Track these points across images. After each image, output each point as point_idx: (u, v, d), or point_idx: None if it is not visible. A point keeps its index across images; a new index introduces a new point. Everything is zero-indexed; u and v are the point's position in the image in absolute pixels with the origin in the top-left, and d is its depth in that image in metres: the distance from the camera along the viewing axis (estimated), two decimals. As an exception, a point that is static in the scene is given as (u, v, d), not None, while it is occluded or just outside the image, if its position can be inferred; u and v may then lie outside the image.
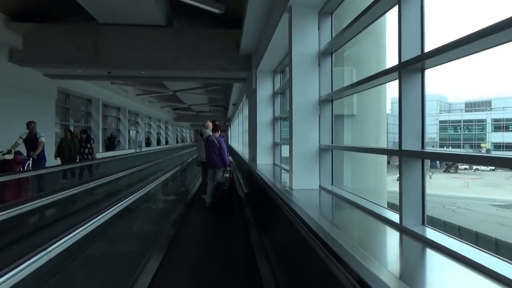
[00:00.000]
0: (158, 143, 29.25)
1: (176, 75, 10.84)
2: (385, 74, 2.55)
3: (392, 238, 2.26)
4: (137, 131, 23.37)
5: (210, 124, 7.81)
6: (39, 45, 8.86)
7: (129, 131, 21.63)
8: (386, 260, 1.94)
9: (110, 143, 17.59)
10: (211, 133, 7.53)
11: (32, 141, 8.24)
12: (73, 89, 13.42)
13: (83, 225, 2.80)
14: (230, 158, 8.08)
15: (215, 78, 11.17)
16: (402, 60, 2.23)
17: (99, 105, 16.03)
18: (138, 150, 20.69)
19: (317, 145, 3.98)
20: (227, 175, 7.43)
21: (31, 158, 8.03)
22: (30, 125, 8.33)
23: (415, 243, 2.00)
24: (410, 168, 2.20)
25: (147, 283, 3.37)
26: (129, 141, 21.44)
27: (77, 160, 9.97)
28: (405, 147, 2.22)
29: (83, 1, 7.76)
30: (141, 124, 24.06)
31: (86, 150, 10.25)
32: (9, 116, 9.17)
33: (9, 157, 7.53)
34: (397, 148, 2.30)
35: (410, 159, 2.21)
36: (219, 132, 7.54)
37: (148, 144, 25.48)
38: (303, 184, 3.91)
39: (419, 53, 2.18)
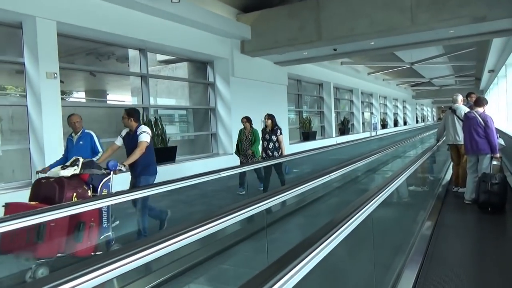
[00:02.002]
0: (395, 124, 27.08)
1: (411, 41, 8.91)
2: None
3: None
4: (371, 113, 22.08)
5: (459, 98, 6.60)
6: (264, 32, 8.81)
7: (363, 113, 20.60)
8: None
9: (344, 127, 16.98)
10: (469, 109, 5.88)
11: (131, 141, 4.39)
12: (304, 75, 13.33)
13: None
14: (501, 141, 5.93)
15: (465, 36, 8.59)
16: None
17: (331, 89, 15.59)
18: (373, 134, 19.42)
19: None
20: (495, 162, 5.60)
21: (111, 172, 3.98)
22: (129, 115, 4.37)
23: None
24: None
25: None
26: (363, 123, 20.42)
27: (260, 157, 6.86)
28: None
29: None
30: (375, 105, 22.63)
31: (271, 145, 6.72)
32: (245, 107, 9.57)
33: (67, 173, 3.70)
34: None
35: None
36: (483, 108, 5.74)
37: (384, 126, 23.81)
38: None
39: None
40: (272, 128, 6.68)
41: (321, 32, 8.20)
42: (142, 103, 7.42)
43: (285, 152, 6.84)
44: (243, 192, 6.30)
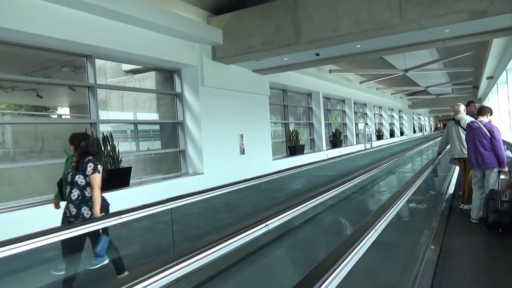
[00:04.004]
0: (392, 134, 26.11)
1: (402, 43, 7.95)
2: None
3: None
4: (366, 124, 21.10)
5: (462, 108, 6.41)
6: (237, 36, 7.82)
7: (356, 124, 19.62)
8: None
9: (336, 139, 15.96)
10: (473, 119, 5.54)
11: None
12: (290, 84, 12.35)
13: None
14: (509, 153, 5.57)
15: (462, 37, 7.62)
16: None
17: (320, 99, 14.60)
18: (368, 146, 18.41)
19: None
20: (503, 177, 5.18)
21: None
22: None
23: None
24: None
25: None
26: (357, 135, 19.41)
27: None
28: None
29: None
30: (370, 115, 21.65)
31: (77, 193, 3.67)
32: (217, 119, 8.53)
33: None
34: None
35: None
36: (488, 117, 5.37)
37: (379, 137, 22.81)
38: None
39: None
40: (81, 159, 3.69)
41: (299, 34, 7.22)
42: (90, 117, 6.37)
43: (98, 208, 3.61)
44: (63, 272, 3.64)
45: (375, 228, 2.19)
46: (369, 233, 2.04)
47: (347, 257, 1.71)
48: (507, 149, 5.49)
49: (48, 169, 6.40)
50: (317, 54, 8.31)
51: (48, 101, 7.84)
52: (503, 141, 5.66)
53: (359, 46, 7.92)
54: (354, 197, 7.49)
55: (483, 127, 5.17)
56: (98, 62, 7.99)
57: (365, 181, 9.36)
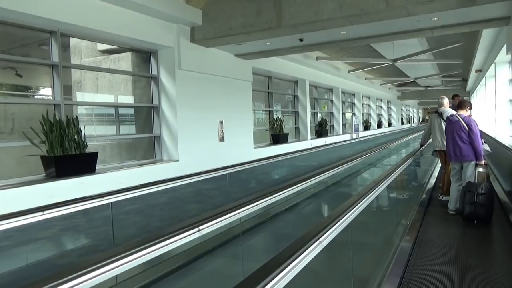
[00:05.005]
0: (379, 125, 26.00)
1: (389, 30, 7.64)
2: None
3: None
4: (353, 114, 20.88)
5: (445, 101, 6.49)
6: (217, 17, 7.43)
7: (343, 114, 19.38)
8: None
9: (321, 129, 15.71)
10: (454, 112, 5.69)
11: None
12: (275, 71, 11.98)
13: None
14: (486, 147, 5.53)
15: (451, 26, 7.33)
16: None
17: (306, 87, 14.28)
18: (354, 136, 18.22)
19: None
20: (480, 169, 5.51)
21: None
22: None
23: None
24: None
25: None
26: (344, 125, 19.19)
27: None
28: None
29: None
30: (358, 105, 21.42)
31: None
32: (194, 105, 8.17)
33: None
34: None
35: None
36: (467, 111, 5.56)
37: (366, 127, 22.65)
38: None
39: None
40: None
41: (281, 17, 6.86)
42: (54, 98, 5.97)
43: None
44: None
45: (348, 214, 2.16)
46: (338, 221, 1.99)
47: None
48: (484, 142, 5.53)
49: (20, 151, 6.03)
50: (301, 40, 7.96)
51: (28, 81, 7.39)
52: (481, 134, 5.73)
53: (344, 32, 7.58)
54: (332, 189, 7.29)
55: (461, 120, 5.27)
56: (73, 40, 7.58)
57: (350, 171, 9.21)
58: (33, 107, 6.94)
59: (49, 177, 5.53)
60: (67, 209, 3.16)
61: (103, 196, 3.51)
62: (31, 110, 6.85)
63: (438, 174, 8.57)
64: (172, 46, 7.57)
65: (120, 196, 3.97)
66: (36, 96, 7.43)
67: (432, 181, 8.31)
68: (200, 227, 2.07)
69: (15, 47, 6.72)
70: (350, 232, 2.48)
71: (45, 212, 3.00)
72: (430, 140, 7.19)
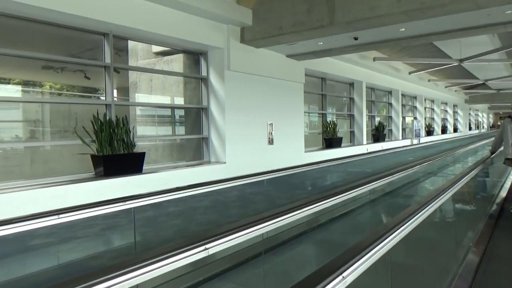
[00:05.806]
0: (444, 131, 24.32)
1: (454, 27, 6.95)
2: None
3: None
4: (414, 118, 19.69)
5: None
6: (267, 16, 7.24)
7: (403, 118, 18.34)
8: None
9: (378, 133, 14.94)
10: None
11: None
12: (330, 72, 11.55)
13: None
14: None
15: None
16: None
17: (363, 89, 13.64)
18: (415, 141, 17.16)
19: None
20: None
21: None
22: None
23: None
24: None
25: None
26: (403, 130, 18.15)
27: None
28: None
29: None
30: (419, 109, 20.17)
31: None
32: (243, 107, 8.03)
33: None
34: None
35: None
36: None
37: (429, 132, 21.27)
38: None
39: None
40: None
41: (333, 14, 6.50)
42: (106, 99, 6.12)
43: None
44: None
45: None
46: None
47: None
48: None
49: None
50: (356, 38, 7.52)
51: (95, 83, 7.74)
52: None
53: (403, 29, 7.03)
54: (383, 200, 6.80)
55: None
56: (131, 43, 7.81)
57: (409, 179, 8.60)
58: (92, 107, 7.24)
59: (98, 176, 5.65)
60: (106, 208, 3.15)
61: (125, 200, 3.46)
62: (91, 110, 7.14)
63: (511, 186, 7.73)
64: (222, 47, 7.50)
65: (158, 198, 3.89)
66: (101, 97, 7.76)
67: (503, 194, 7.48)
68: (207, 246, 1.83)
69: (83, 51, 7.03)
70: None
71: (92, 209, 3.01)
72: (502, 148, 6.49)
